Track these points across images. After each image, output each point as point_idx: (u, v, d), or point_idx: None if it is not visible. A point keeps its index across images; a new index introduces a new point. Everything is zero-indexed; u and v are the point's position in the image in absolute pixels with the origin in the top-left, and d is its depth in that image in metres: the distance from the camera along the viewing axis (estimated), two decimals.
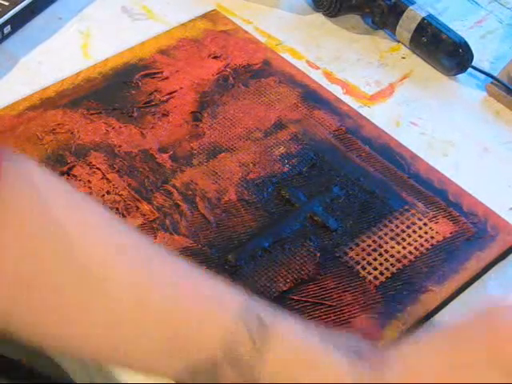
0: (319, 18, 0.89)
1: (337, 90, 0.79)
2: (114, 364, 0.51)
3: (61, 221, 0.45)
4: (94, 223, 0.47)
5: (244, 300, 0.47)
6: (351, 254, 0.63)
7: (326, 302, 0.60)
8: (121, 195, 0.66)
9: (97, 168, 0.68)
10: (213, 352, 0.45)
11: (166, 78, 0.78)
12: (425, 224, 0.66)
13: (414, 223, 0.66)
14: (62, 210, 0.45)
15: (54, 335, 0.46)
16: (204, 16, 0.86)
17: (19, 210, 0.44)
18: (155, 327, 0.45)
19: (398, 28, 0.84)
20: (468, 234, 0.66)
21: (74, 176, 0.67)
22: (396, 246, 0.64)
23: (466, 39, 0.81)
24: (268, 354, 0.45)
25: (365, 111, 0.77)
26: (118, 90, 0.76)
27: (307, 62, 0.83)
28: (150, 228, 0.64)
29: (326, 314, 0.59)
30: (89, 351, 0.48)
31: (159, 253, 0.49)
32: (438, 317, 0.60)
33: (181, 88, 0.77)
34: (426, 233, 0.65)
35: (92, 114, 0.73)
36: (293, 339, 0.47)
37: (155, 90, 0.76)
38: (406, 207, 0.67)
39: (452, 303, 0.61)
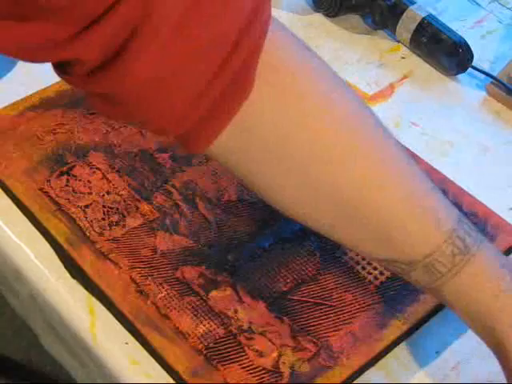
0: (319, 18, 0.89)
1: None
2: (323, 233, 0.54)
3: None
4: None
5: (457, 219, 0.50)
6: (351, 253, 0.63)
7: (326, 302, 0.60)
8: (121, 195, 0.66)
9: (97, 168, 0.68)
10: (415, 258, 0.49)
11: None
12: None
13: None
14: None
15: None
16: None
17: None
18: (373, 225, 0.50)
19: (397, 28, 0.84)
20: None
21: (74, 176, 0.67)
22: None
23: (466, 39, 0.81)
24: (459, 275, 0.49)
25: None
26: None
27: None
28: (149, 228, 0.64)
29: (325, 314, 0.59)
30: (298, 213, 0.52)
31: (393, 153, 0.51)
32: (437, 317, 0.60)
33: None
34: None
35: (92, 114, 0.73)
36: (487, 269, 0.50)
37: None
38: None
39: None
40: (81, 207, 0.65)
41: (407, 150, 0.71)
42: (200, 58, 0.44)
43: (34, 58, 0.44)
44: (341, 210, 0.50)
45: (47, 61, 0.45)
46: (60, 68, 0.46)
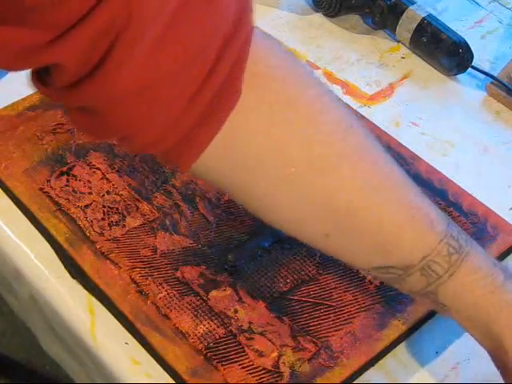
0: (319, 18, 0.89)
1: (337, 90, 0.79)
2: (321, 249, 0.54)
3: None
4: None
5: (447, 220, 0.51)
6: None
7: (326, 302, 0.60)
8: (121, 195, 0.66)
9: (97, 168, 0.68)
10: (412, 262, 0.49)
11: None
12: None
13: None
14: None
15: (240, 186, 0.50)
16: None
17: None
18: (368, 232, 0.49)
19: (397, 28, 0.84)
20: (468, 234, 0.65)
21: (74, 176, 0.67)
22: None
23: (466, 39, 0.81)
24: (456, 274, 0.49)
25: (365, 111, 0.77)
26: None
27: (307, 62, 0.83)
28: (149, 228, 0.64)
29: (325, 314, 0.59)
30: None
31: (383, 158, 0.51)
32: (437, 317, 0.60)
33: None
34: None
35: None
36: (482, 267, 0.50)
37: None
38: None
39: None
40: (81, 207, 0.65)
41: (407, 149, 0.71)
42: (185, 67, 0.43)
43: (13, 64, 0.43)
44: (335, 218, 0.49)
45: (27, 67, 0.43)
46: (38, 79, 0.45)
